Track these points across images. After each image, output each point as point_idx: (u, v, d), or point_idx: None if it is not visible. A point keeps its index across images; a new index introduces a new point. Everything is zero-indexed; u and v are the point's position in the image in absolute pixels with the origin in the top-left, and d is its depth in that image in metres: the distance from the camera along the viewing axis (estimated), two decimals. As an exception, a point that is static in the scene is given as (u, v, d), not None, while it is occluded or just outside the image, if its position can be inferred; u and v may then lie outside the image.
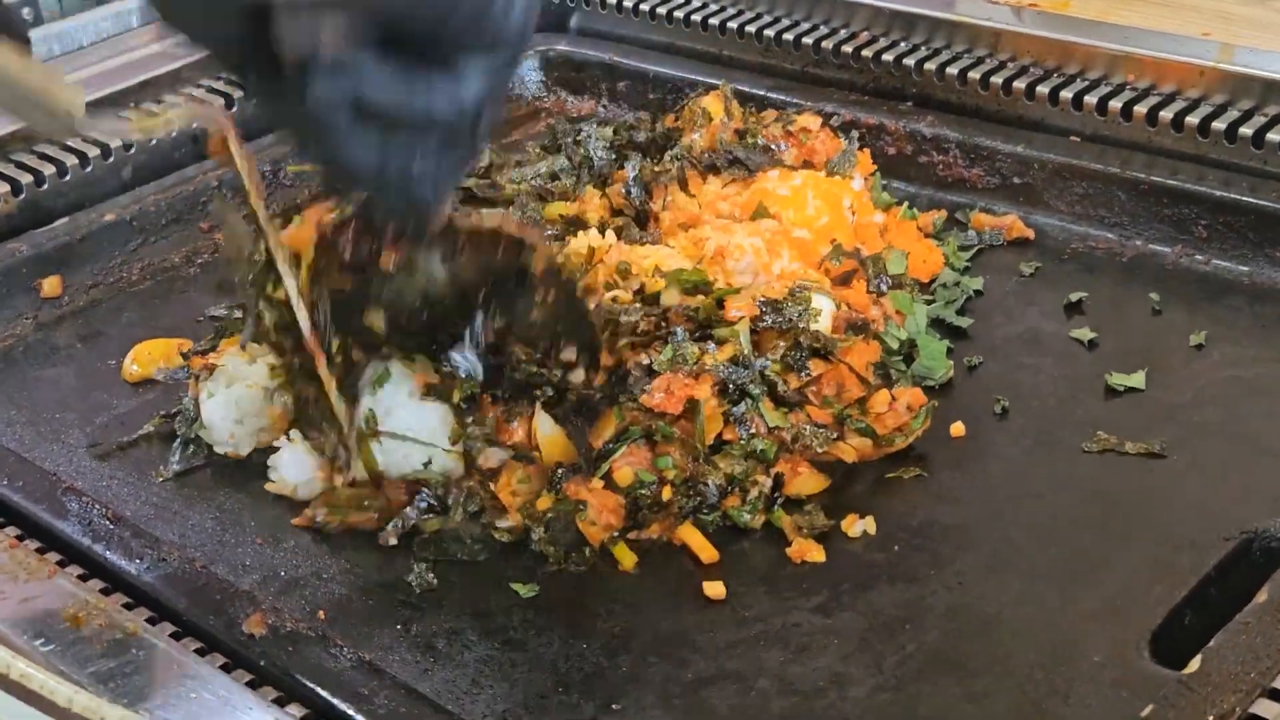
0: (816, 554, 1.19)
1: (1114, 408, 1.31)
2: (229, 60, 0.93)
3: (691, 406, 1.23)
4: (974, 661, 1.07)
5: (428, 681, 1.08)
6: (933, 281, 1.50)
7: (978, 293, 1.49)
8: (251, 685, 1.04)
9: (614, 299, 1.31)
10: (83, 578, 1.15)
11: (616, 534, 1.21)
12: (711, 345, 1.27)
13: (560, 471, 1.23)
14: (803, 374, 1.28)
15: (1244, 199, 1.48)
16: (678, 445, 1.23)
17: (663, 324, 1.29)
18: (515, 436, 1.25)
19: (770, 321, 1.29)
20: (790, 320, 1.29)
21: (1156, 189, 1.53)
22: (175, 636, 1.08)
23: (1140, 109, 1.60)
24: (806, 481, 1.25)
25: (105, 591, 1.13)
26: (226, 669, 1.05)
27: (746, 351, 1.26)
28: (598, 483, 1.22)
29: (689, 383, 1.23)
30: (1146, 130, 1.60)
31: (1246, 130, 1.53)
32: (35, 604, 1.06)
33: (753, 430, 1.24)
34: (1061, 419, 1.31)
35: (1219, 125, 1.55)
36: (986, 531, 1.19)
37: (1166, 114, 1.59)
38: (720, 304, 1.31)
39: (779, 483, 1.23)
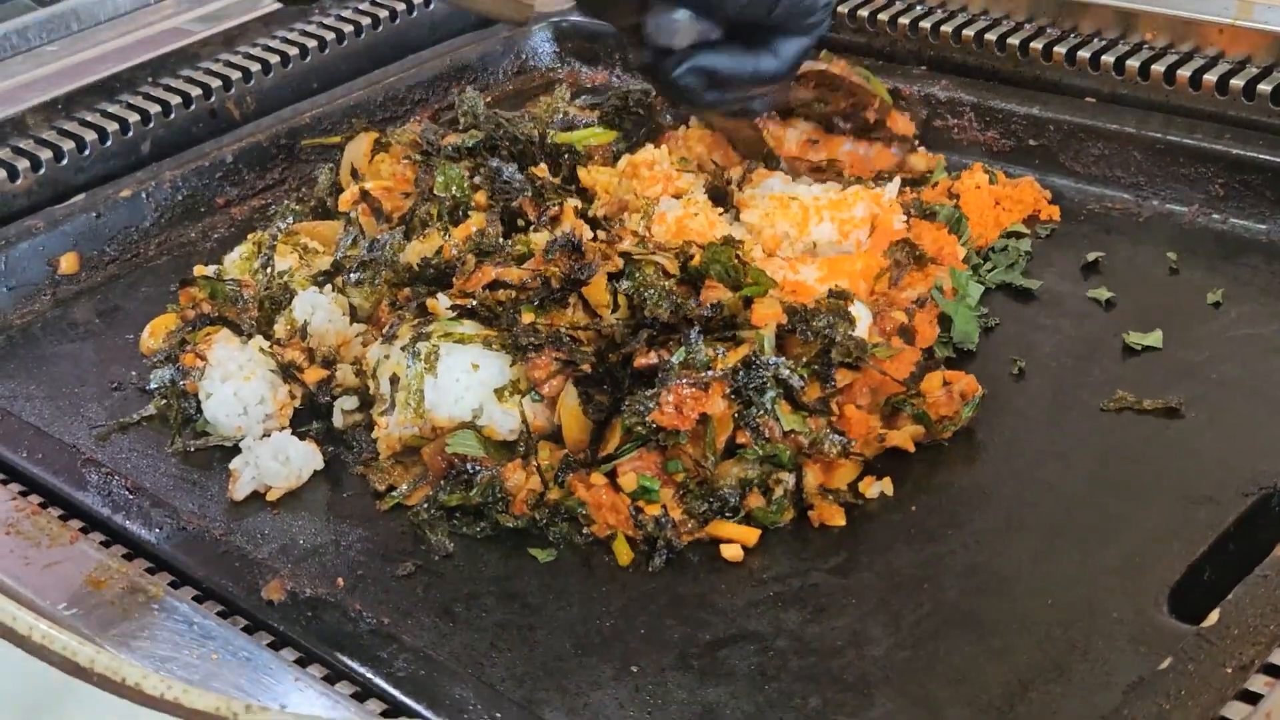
0: (838, 518, 1.18)
1: (1132, 367, 1.31)
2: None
3: (703, 420, 1.18)
4: (992, 619, 1.07)
5: (446, 645, 1.09)
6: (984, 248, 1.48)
7: (1028, 254, 1.48)
8: (273, 647, 1.04)
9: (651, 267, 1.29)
10: (104, 544, 1.16)
11: (614, 532, 1.18)
12: (721, 350, 1.20)
13: (565, 460, 1.21)
14: (828, 385, 1.22)
15: (1261, 156, 1.47)
16: (688, 449, 1.19)
17: (682, 317, 1.23)
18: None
19: (798, 333, 1.23)
20: (819, 332, 1.22)
21: (1173, 148, 1.52)
22: (197, 600, 1.09)
23: (1158, 68, 1.59)
24: (847, 472, 1.21)
25: (127, 557, 1.14)
26: (248, 632, 1.05)
27: (767, 356, 1.20)
28: (600, 478, 1.19)
29: (700, 396, 1.17)
30: (1164, 89, 1.59)
31: (1265, 87, 1.52)
32: (58, 569, 1.07)
33: (767, 435, 1.19)
34: (1079, 378, 1.30)
35: (1237, 82, 1.54)
36: (1004, 491, 1.19)
37: (1184, 72, 1.57)
38: (748, 303, 1.25)
39: (801, 476, 1.20)
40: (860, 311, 1.29)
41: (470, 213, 1.44)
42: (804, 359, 1.22)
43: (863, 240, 1.42)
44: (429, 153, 1.53)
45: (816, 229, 1.42)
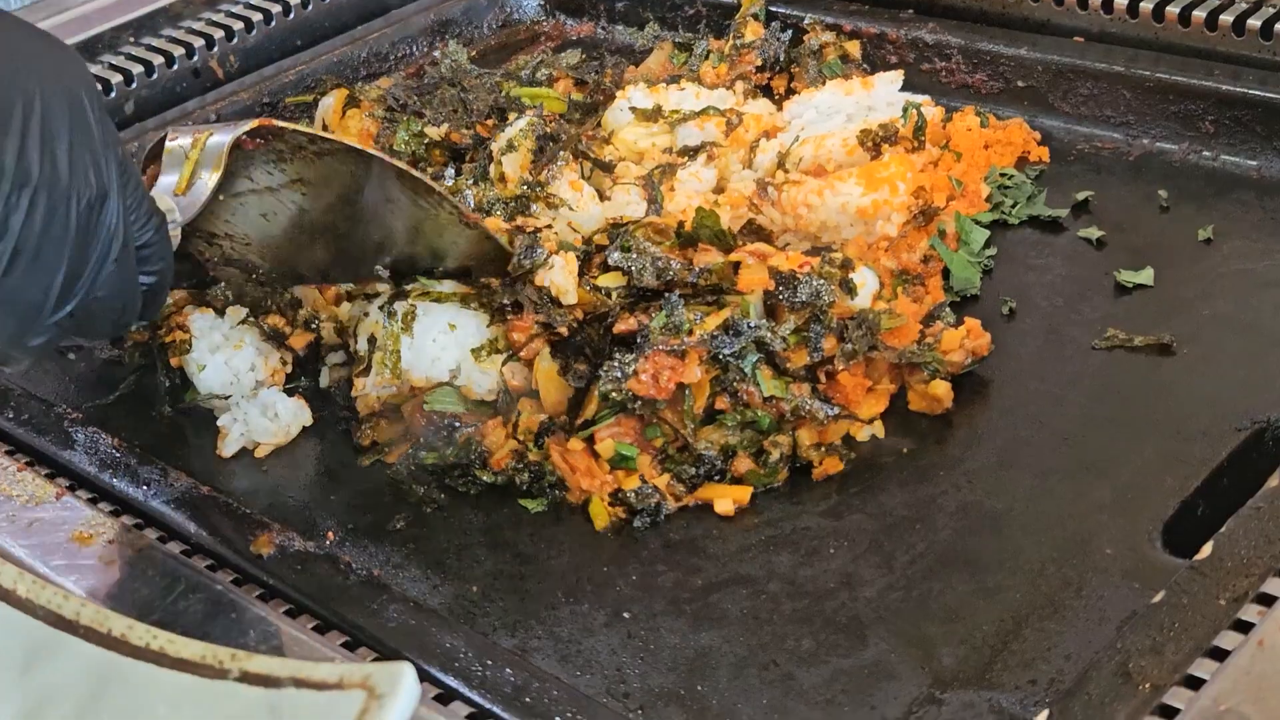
0: (838, 466, 1.17)
1: (1124, 304, 1.30)
2: None
3: (681, 387, 1.16)
4: (985, 558, 1.06)
5: (438, 596, 1.09)
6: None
7: (1038, 182, 1.47)
8: (263, 600, 1.04)
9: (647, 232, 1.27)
10: (91, 501, 1.15)
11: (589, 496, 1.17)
12: (700, 315, 1.18)
13: (544, 423, 1.20)
14: (814, 354, 1.19)
15: (1251, 92, 1.45)
16: (667, 415, 1.17)
17: (666, 280, 1.21)
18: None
19: (785, 299, 1.19)
20: (805, 301, 1.19)
21: (1163, 86, 1.50)
22: (185, 555, 1.08)
23: (1146, 5, 1.57)
24: (842, 426, 1.19)
25: (114, 514, 1.13)
26: (237, 584, 1.05)
27: (749, 320, 1.18)
28: (577, 444, 1.18)
29: (676, 365, 1.15)
30: (1153, 26, 1.57)
31: (1255, 22, 1.51)
32: (44, 525, 1.07)
33: (746, 400, 1.17)
34: (1071, 317, 1.29)
35: (1226, 18, 1.52)
36: (996, 430, 1.18)
37: (1173, 9, 1.56)
38: (736, 268, 1.22)
39: (795, 437, 1.18)
40: (866, 277, 1.26)
41: (427, 170, 1.43)
42: (792, 325, 1.19)
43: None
44: (393, 109, 1.53)
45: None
